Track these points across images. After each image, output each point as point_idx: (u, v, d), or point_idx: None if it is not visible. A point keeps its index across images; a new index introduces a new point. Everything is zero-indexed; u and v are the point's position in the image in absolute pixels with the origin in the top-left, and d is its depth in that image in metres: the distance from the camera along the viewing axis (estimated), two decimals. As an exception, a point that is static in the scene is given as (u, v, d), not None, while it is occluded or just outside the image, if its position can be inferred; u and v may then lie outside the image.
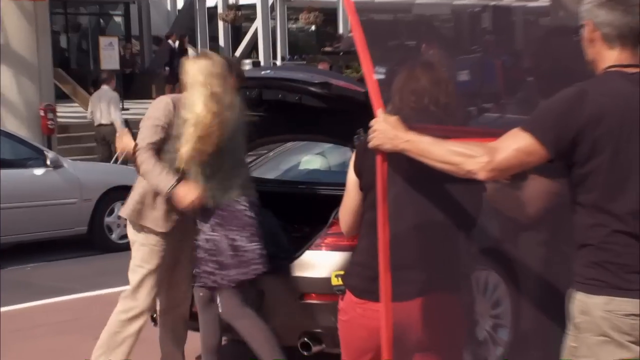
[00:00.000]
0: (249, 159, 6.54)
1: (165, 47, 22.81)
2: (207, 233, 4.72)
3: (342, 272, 3.45)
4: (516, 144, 2.73)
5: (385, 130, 2.94)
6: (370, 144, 3.00)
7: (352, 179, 3.35)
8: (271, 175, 6.09)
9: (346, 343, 3.37)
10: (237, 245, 4.70)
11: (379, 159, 2.99)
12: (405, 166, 3.00)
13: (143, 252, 4.92)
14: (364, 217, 3.31)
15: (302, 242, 5.13)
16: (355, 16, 3.03)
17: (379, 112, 3.00)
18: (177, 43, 22.25)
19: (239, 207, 4.71)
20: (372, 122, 3.01)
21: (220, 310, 4.84)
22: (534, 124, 2.74)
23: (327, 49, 24.22)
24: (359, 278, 3.26)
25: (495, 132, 2.87)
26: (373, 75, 3.01)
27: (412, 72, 3.28)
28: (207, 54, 4.83)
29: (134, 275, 4.96)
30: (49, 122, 13.83)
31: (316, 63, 17.31)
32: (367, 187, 3.28)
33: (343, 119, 5.27)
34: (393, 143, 2.93)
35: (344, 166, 6.63)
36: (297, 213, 5.70)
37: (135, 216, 4.86)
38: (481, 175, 2.76)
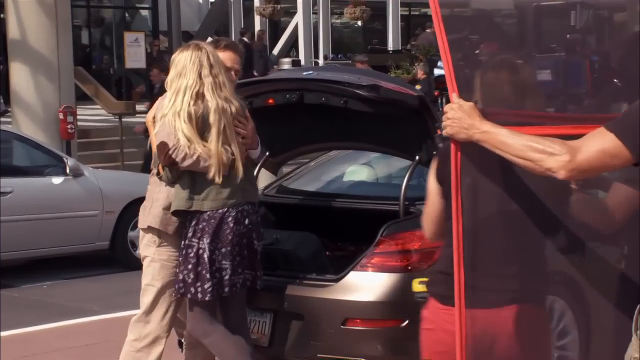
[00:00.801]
0: (288, 169, 6.57)
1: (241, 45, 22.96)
2: (189, 239, 4.82)
3: (425, 279, 3.59)
4: (600, 145, 2.78)
5: (461, 119, 3.01)
6: (444, 132, 3.09)
7: (432, 185, 3.45)
8: (312, 187, 6.11)
9: (431, 352, 3.48)
10: (214, 259, 4.77)
11: (452, 148, 3.08)
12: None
13: (154, 269, 4.99)
14: (447, 225, 3.40)
15: (346, 262, 5.14)
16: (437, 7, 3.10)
17: (454, 97, 3.07)
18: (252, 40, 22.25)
19: (223, 218, 4.78)
20: (447, 108, 3.09)
21: (187, 327, 4.92)
22: (619, 125, 2.79)
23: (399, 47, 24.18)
24: (444, 285, 3.38)
25: (574, 117, 2.97)
26: (450, 57, 3.08)
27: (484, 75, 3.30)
28: (197, 44, 4.91)
29: (146, 297, 5.01)
30: (69, 126, 13.94)
31: (354, 63, 17.28)
32: (450, 194, 3.36)
33: (393, 125, 5.27)
34: (468, 133, 3.01)
35: (391, 178, 6.64)
36: (341, 230, 5.71)
37: (164, 225, 4.93)
38: (561, 175, 2.84)
